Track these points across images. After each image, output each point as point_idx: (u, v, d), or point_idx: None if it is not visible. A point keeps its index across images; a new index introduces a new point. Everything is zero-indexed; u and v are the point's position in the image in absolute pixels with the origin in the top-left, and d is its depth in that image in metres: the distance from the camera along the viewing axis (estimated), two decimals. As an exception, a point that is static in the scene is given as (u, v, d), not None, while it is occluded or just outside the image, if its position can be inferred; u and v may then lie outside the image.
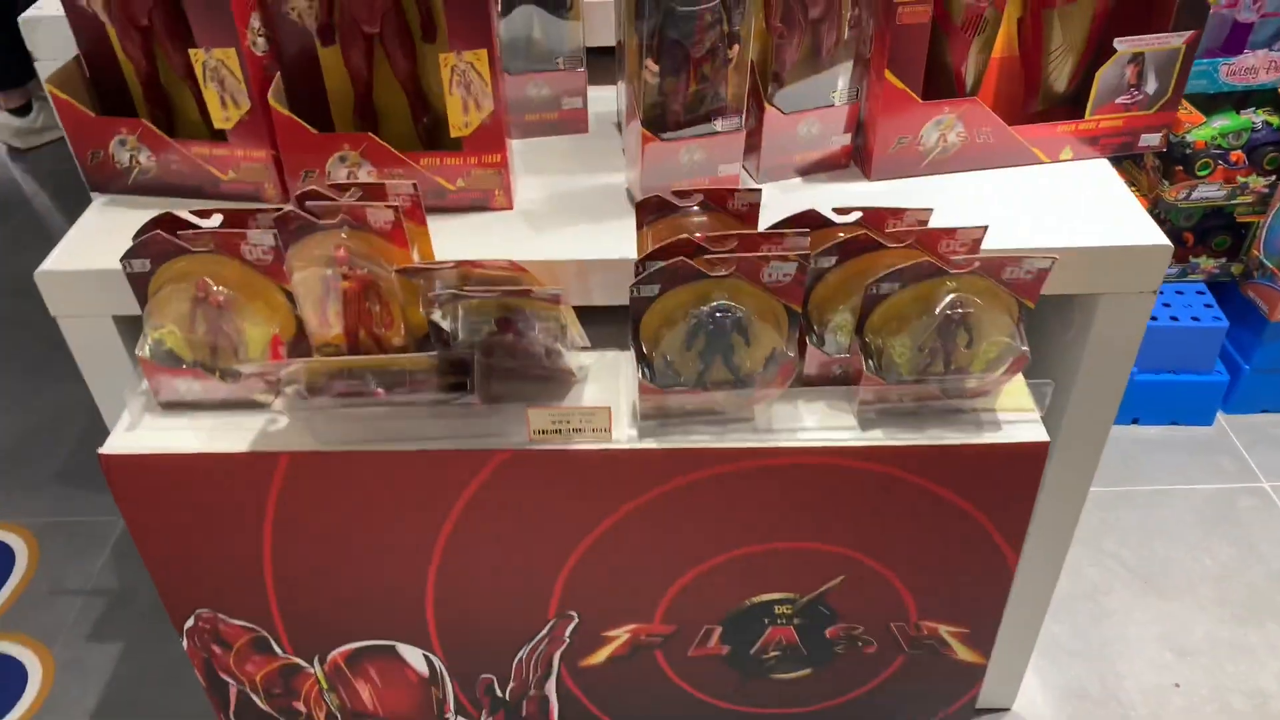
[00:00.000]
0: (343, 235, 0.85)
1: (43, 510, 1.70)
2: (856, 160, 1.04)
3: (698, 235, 0.84)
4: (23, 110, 2.73)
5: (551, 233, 0.96)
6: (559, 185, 1.03)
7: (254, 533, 0.92)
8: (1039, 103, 1.05)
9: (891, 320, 0.85)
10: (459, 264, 0.82)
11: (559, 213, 0.99)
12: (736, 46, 0.91)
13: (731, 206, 0.87)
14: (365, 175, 0.96)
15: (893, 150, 1.01)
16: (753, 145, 1.00)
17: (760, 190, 0.86)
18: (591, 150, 1.10)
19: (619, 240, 0.94)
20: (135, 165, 1.00)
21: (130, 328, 0.96)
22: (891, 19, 0.92)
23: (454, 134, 0.94)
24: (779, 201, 1.00)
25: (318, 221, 0.84)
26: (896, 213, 0.87)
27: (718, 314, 0.82)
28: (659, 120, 0.93)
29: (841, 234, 0.88)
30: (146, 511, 0.91)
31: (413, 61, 0.95)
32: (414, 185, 0.86)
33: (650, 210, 0.87)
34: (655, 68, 0.90)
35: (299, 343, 0.89)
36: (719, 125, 0.95)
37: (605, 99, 1.14)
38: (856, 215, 0.87)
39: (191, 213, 0.88)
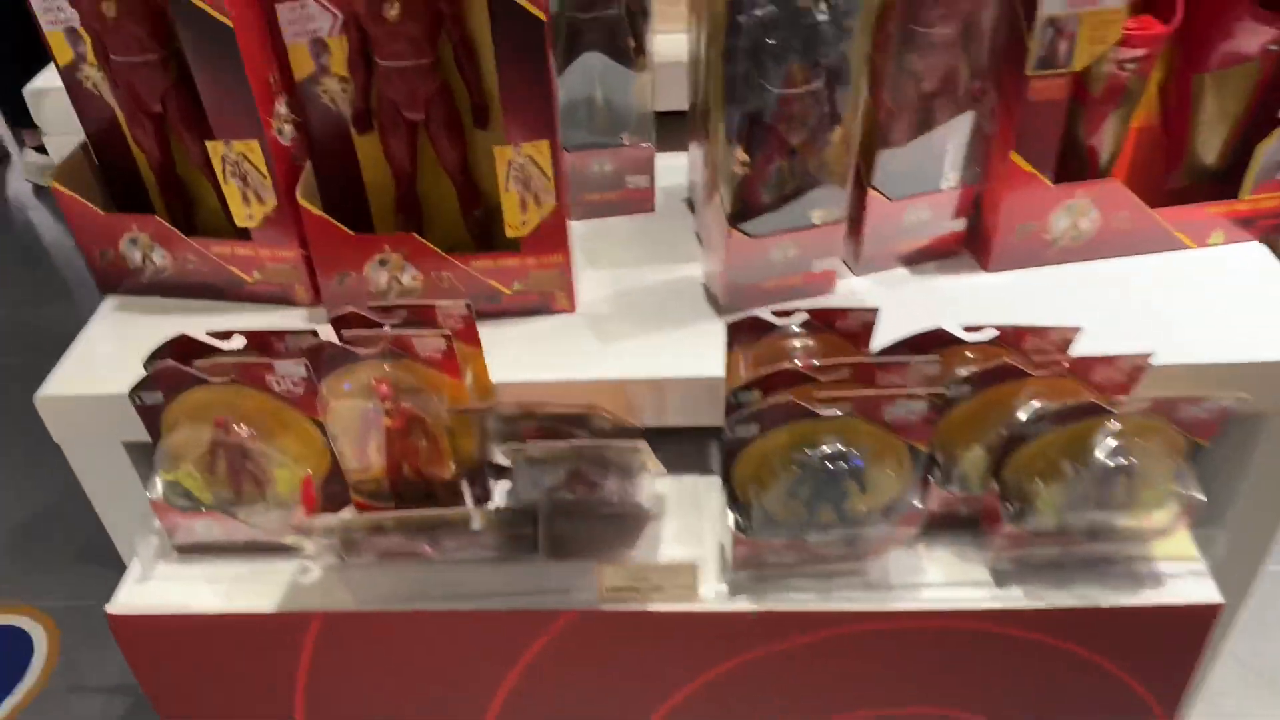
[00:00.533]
0: (385, 367, 0.72)
1: (62, 593, 1.59)
2: (970, 247, 0.91)
3: (802, 363, 0.71)
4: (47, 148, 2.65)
5: (621, 343, 0.83)
6: (626, 280, 0.90)
7: (284, 700, 0.79)
8: (1182, 177, 0.91)
9: (1037, 461, 0.71)
10: (523, 408, 0.70)
11: (628, 316, 0.86)
12: (839, 128, 0.78)
13: (841, 326, 0.74)
14: (409, 279, 0.84)
15: (1015, 238, 0.87)
16: (851, 233, 0.87)
17: (876, 311, 0.72)
18: (660, 235, 0.97)
19: (700, 352, 0.81)
20: (149, 264, 0.88)
21: (143, 453, 0.84)
22: (1021, 93, 0.79)
23: (510, 234, 0.82)
24: (883, 298, 0.87)
25: (356, 351, 0.72)
26: (1039, 332, 0.73)
27: (830, 462, 0.69)
28: (746, 212, 0.80)
29: (970, 353, 0.74)
30: (162, 675, 0.79)
31: (462, 151, 0.82)
32: (467, 305, 0.73)
33: (743, 331, 0.74)
34: (745, 158, 0.77)
35: (333, 480, 0.77)
36: (816, 216, 0.82)
37: (673, 169, 1.00)
38: (991, 333, 0.73)
39: (210, 335, 0.76)
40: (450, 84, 0.80)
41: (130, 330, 0.88)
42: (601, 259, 0.93)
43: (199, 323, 0.87)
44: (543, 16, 0.72)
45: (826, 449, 0.69)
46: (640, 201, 0.99)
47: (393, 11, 0.73)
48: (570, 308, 0.87)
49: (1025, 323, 0.73)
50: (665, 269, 0.92)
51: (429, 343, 0.71)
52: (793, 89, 0.74)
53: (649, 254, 0.94)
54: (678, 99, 0.96)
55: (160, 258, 0.88)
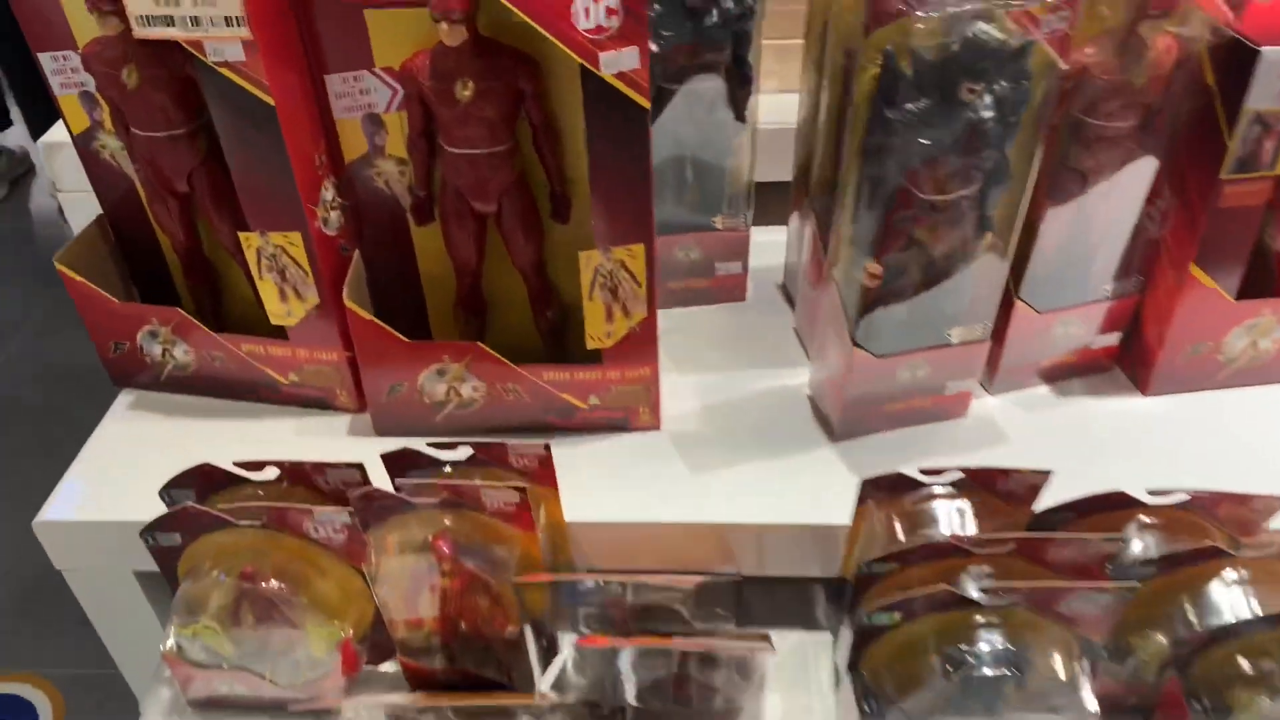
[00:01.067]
0: (445, 520, 0.60)
1: (67, 660, 1.48)
2: (1123, 362, 0.77)
3: (952, 534, 0.58)
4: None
5: (714, 473, 0.71)
6: (717, 389, 0.78)
7: None
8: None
9: (1238, 664, 0.58)
10: (608, 581, 0.57)
11: (722, 438, 0.73)
12: (990, 235, 0.65)
13: (1002, 487, 0.61)
14: (469, 391, 0.72)
15: (1183, 358, 0.74)
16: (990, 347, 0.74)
17: (1048, 474, 0.59)
18: (754, 330, 0.84)
19: (811, 489, 0.69)
20: (169, 360, 0.77)
21: (158, 582, 0.72)
22: (1209, 198, 0.65)
23: (591, 346, 0.69)
24: (1023, 424, 0.74)
25: (412, 501, 0.60)
26: (1239, 499, 0.60)
27: (988, 668, 0.56)
28: (872, 327, 0.67)
29: (1149, 516, 0.61)
30: None
31: (539, 248, 0.70)
32: (546, 447, 0.61)
33: (881, 488, 0.61)
34: (878, 270, 0.64)
35: (376, 630, 0.65)
36: (956, 335, 0.69)
37: (766, 245, 0.87)
38: (1180, 497, 0.60)
39: (237, 465, 0.64)
40: (527, 172, 0.67)
41: (146, 436, 0.76)
42: (687, 361, 0.81)
43: (225, 431, 0.76)
44: (645, 103, 0.59)
45: (985, 647, 0.56)
46: (731, 289, 0.87)
47: (466, 91, 0.61)
48: (654, 423, 0.74)
49: (1221, 487, 0.60)
50: (762, 375, 0.79)
51: (500, 495, 0.59)
52: (944, 195, 0.61)
53: (742, 355, 0.81)
54: (777, 169, 0.84)
55: (183, 353, 0.76)
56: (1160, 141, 0.66)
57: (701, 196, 0.81)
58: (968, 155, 0.59)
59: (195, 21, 0.59)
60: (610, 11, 0.56)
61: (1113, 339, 0.76)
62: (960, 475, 0.60)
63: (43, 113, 2.39)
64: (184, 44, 0.60)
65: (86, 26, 0.66)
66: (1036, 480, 0.60)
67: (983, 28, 0.54)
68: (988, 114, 0.58)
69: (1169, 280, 0.71)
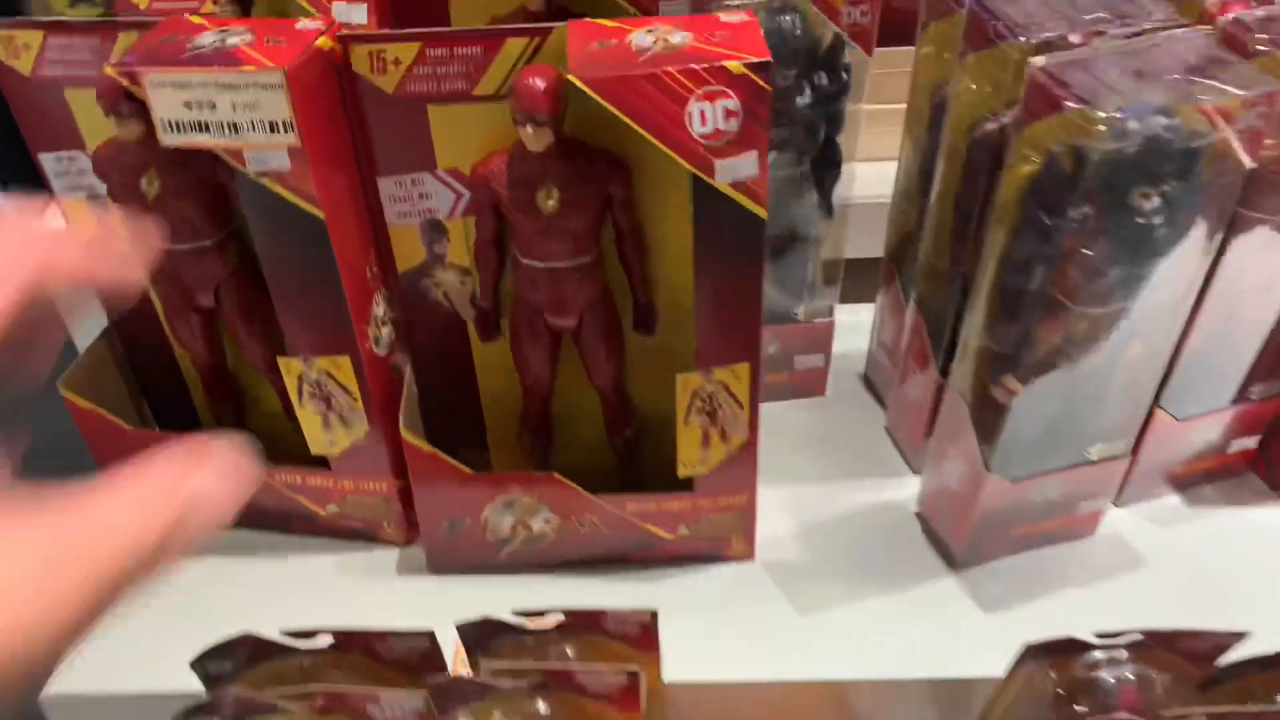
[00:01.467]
0: (539, 706, 0.51)
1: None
2: (1260, 468, 0.70)
3: (1128, 709, 0.50)
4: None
5: (823, 614, 0.62)
6: (811, 507, 0.69)
7: None
8: None
9: None
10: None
11: (824, 569, 0.65)
12: (1138, 343, 0.57)
13: (1185, 647, 0.52)
14: (540, 524, 0.63)
15: (1334, 467, 0.66)
16: (1114, 456, 0.66)
17: (1242, 636, 0.51)
18: (841, 430, 0.76)
19: (934, 630, 0.60)
20: (190, 491, 0.67)
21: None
22: (1382, 296, 0.58)
23: (684, 474, 0.61)
24: (1156, 538, 0.66)
25: (497, 686, 0.51)
26: None
27: None
28: (1005, 448, 0.59)
29: (1342, 669, 0.53)
30: None
31: (621, 365, 0.61)
32: (652, 616, 0.52)
33: (1046, 653, 0.52)
34: (1019, 388, 0.56)
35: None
36: (1096, 451, 0.61)
37: (846, 327, 0.78)
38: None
39: (285, 635, 0.55)
40: (610, 283, 0.59)
41: (168, 587, 0.66)
42: (773, 470, 0.72)
43: (255, 572, 0.67)
44: (763, 213, 0.51)
45: None
46: (810, 384, 0.78)
47: (550, 201, 0.52)
48: (749, 553, 0.66)
49: None
50: (859, 487, 0.71)
51: (604, 678, 0.50)
52: (1103, 307, 0.53)
53: (832, 461, 0.73)
54: (863, 244, 0.76)
55: (206, 484, 0.66)
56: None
57: (783, 286, 0.73)
58: (1135, 266, 0.51)
59: (234, 128, 0.50)
60: (729, 114, 0.48)
61: (1250, 442, 0.68)
62: (1139, 638, 0.52)
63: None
64: (220, 152, 0.51)
65: (97, 127, 0.57)
66: (1227, 641, 0.52)
67: (1165, 124, 0.47)
68: (1158, 220, 0.50)
69: (1324, 382, 0.63)
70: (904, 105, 0.68)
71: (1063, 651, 0.52)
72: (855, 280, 0.77)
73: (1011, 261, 0.53)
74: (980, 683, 0.56)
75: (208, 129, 0.50)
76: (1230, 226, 0.57)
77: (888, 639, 0.60)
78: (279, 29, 0.50)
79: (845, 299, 0.78)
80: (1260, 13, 0.52)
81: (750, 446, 0.60)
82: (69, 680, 0.60)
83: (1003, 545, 0.64)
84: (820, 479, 0.72)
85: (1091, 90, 0.47)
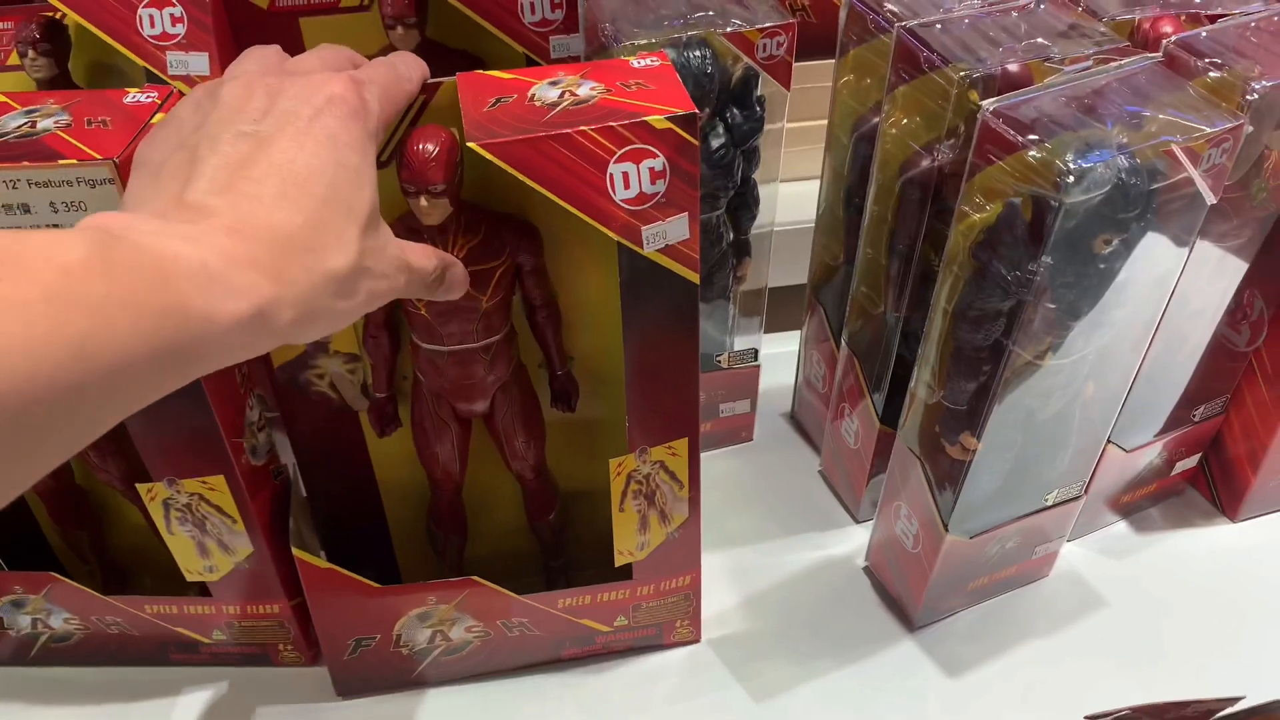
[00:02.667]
0: None
1: None
2: (1206, 488, 0.68)
3: (1131, 786, 0.46)
4: None
5: (783, 696, 0.57)
6: (756, 572, 0.64)
7: None
8: None
9: None
10: None
11: (778, 642, 0.60)
12: (1091, 384, 0.54)
13: (1175, 716, 0.49)
14: (461, 633, 0.56)
15: (1275, 482, 0.65)
16: (1062, 490, 0.63)
17: (1239, 700, 0.48)
18: (775, 480, 0.71)
19: (901, 702, 0.56)
20: (43, 630, 0.57)
21: None
22: (1321, 313, 0.56)
23: (621, 562, 0.54)
24: (1109, 573, 0.64)
25: None
26: None
27: None
28: (963, 505, 0.55)
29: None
30: None
31: (541, 447, 0.54)
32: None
33: (1033, 735, 0.48)
34: (976, 444, 0.52)
35: None
36: (1053, 496, 0.57)
37: (765, 358, 0.73)
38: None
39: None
40: (523, 356, 0.52)
41: (19, 736, 0.57)
42: (710, 532, 0.64)
43: (131, 713, 0.57)
44: (695, 278, 0.45)
45: None
46: (738, 431, 0.73)
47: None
48: (695, 637, 0.60)
49: None
50: (801, 543, 0.66)
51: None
52: (1067, 359, 0.49)
53: (771, 516, 0.68)
54: (783, 272, 0.70)
55: (62, 623, 0.57)
56: (1248, 253, 0.56)
57: (704, 334, 0.67)
58: (1098, 313, 0.48)
59: (55, 229, 0.41)
60: (655, 175, 0.41)
61: (1191, 462, 0.67)
62: (1127, 713, 0.48)
63: None
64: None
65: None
66: (1219, 707, 0.49)
67: (1129, 167, 0.43)
68: (1119, 263, 0.46)
69: (1261, 396, 0.62)
70: (824, 122, 0.63)
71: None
72: (775, 308, 0.72)
73: (966, 317, 0.48)
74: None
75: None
76: (1175, 253, 0.54)
77: (854, 711, 0.56)
78: (103, 105, 0.42)
79: (766, 329, 0.73)
80: (1204, 33, 0.48)
81: (693, 525, 0.54)
82: None
83: (960, 599, 0.60)
84: (760, 537, 0.67)
85: (1049, 133, 0.43)
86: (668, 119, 0.41)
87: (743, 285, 0.67)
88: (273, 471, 0.54)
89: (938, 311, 0.50)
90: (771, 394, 0.76)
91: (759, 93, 0.58)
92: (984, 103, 0.44)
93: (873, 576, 0.63)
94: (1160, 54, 0.48)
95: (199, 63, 0.56)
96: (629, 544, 0.54)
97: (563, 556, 0.60)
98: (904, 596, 0.60)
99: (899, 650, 0.59)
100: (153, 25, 0.56)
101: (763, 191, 0.64)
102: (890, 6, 0.54)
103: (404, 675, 0.57)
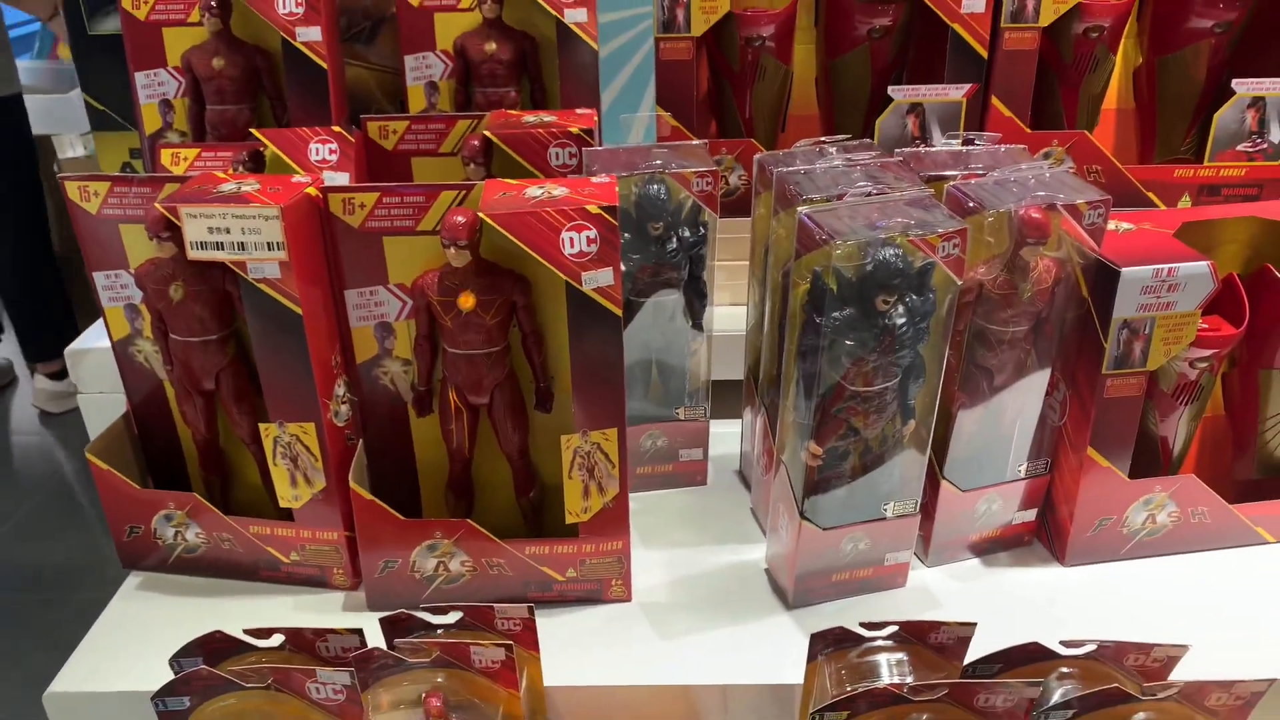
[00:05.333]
0: (438, 678, 0.66)
1: None
2: (1044, 538, 0.87)
3: (893, 684, 0.65)
4: (60, 375, 2.65)
5: (682, 639, 0.78)
6: (683, 564, 0.86)
7: None
8: (1253, 470, 0.89)
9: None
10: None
11: (688, 608, 0.81)
12: (913, 423, 0.76)
13: (934, 640, 0.69)
14: (457, 565, 0.79)
15: (1092, 532, 0.83)
16: (922, 523, 0.83)
17: (973, 626, 0.68)
18: (715, 511, 0.93)
19: (770, 653, 0.76)
20: (180, 542, 0.84)
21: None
22: (1096, 392, 0.77)
23: (570, 521, 0.78)
24: (956, 593, 0.82)
25: (407, 660, 0.66)
26: (1143, 648, 0.68)
27: (934, 803, 0.62)
28: (817, 503, 0.77)
29: (1066, 668, 0.69)
30: None
31: (525, 436, 0.80)
32: (529, 609, 0.68)
33: (828, 642, 0.68)
34: (819, 450, 0.74)
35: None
36: (890, 510, 0.78)
37: (722, 436, 0.97)
38: (1090, 647, 0.68)
39: (247, 633, 0.71)
40: (516, 370, 0.78)
41: (155, 615, 0.82)
42: (655, 538, 0.89)
43: (228, 608, 0.82)
44: (618, 312, 0.71)
45: (927, 786, 0.62)
46: (693, 475, 0.96)
47: (468, 303, 0.73)
48: (626, 596, 0.82)
49: (1127, 638, 0.68)
50: (724, 551, 0.87)
51: (487, 653, 0.65)
52: (869, 387, 0.72)
53: (705, 533, 0.90)
54: (729, 369, 0.96)
55: (194, 535, 0.83)
56: (1051, 343, 0.78)
57: (666, 393, 0.92)
58: (886, 354, 0.71)
59: (241, 246, 0.70)
60: (590, 241, 0.69)
61: (1030, 515, 0.86)
62: (896, 629, 0.68)
63: (43, 335, 2.52)
64: (229, 264, 0.71)
65: (138, 251, 0.78)
66: (965, 633, 0.68)
67: (892, 251, 0.67)
68: (900, 320, 0.70)
69: (1072, 462, 0.81)
70: (746, 261, 0.89)
71: (841, 642, 0.68)
72: (734, 399, 0.96)
73: (802, 355, 0.72)
74: (799, 686, 0.71)
75: (223, 247, 0.71)
76: (975, 336, 0.77)
77: (731, 657, 0.76)
78: (280, 181, 0.72)
79: (726, 415, 0.97)
80: (973, 182, 0.74)
81: (622, 499, 0.78)
82: (69, 681, 0.75)
83: (826, 590, 0.80)
84: (694, 545, 0.88)
85: (838, 230, 0.68)
86: (599, 207, 0.68)
87: (696, 359, 0.92)
88: (347, 436, 0.80)
89: (790, 353, 0.74)
90: (727, 457, 0.99)
91: (703, 218, 0.86)
92: (800, 208, 0.70)
93: (769, 575, 0.84)
94: (936, 192, 0.73)
95: (341, 178, 0.87)
96: (576, 506, 0.77)
97: (539, 532, 0.84)
98: (783, 582, 0.81)
99: (776, 620, 0.79)
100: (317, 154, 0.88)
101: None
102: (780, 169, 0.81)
103: (416, 596, 0.80)
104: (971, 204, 0.74)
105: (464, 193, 0.72)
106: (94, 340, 1.06)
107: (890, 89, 0.99)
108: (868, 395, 0.72)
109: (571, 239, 0.69)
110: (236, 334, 0.80)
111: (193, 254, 0.71)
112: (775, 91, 1.06)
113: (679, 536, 0.90)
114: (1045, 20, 0.98)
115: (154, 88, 1.01)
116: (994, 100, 0.97)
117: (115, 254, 0.79)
